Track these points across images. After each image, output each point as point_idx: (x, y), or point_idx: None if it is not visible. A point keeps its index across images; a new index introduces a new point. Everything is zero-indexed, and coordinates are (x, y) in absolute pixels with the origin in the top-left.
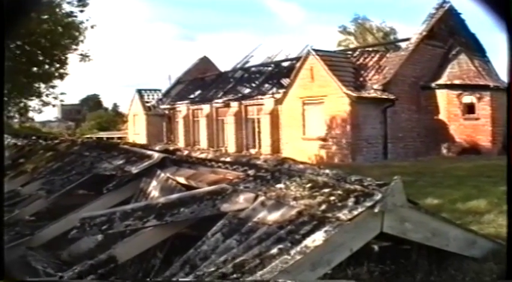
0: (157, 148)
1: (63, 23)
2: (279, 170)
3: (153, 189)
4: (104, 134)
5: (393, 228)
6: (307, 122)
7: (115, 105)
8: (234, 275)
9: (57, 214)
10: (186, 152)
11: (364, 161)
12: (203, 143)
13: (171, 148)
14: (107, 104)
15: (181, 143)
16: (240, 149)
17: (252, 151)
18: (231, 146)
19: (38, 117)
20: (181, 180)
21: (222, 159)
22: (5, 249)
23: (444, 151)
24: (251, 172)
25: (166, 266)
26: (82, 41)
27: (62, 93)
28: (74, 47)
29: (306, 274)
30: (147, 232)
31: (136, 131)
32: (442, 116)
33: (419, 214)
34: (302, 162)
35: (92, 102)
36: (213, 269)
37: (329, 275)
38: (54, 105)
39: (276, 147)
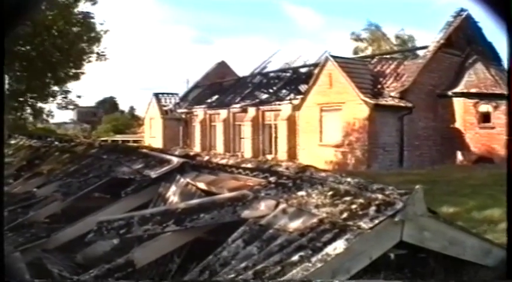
0: (176, 153)
1: (79, 24)
2: (301, 178)
3: (172, 194)
4: (119, 137)
5: (412, 237)
6: (325, 129)
7: (131, 108)
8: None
9: (72, 217)
10: (206, 158)
11: (380, 168)
12: (219, 147)
13: (192, 153)
14: (123, 106)
15: (197, 148)
16: (257, 155)
17: (269, 157)
18: (247, 151)
19: (53, 119)
20: (202, 185)
21: (243, 165)
22: (21, 252)
23: (459, 159)
24: (272, 179)
25: (183, 271)
26: (99, 43)
27: (78, 96)
28: (90, 48)
29: None
30: (166, 237)
31: (152, 135)
32: (458, 124)
33: (438, 223)
34: (324, 170)
35: (108, 104)
36: (233, 275)
37: None
38: (73, 108)
39: (292, 153)
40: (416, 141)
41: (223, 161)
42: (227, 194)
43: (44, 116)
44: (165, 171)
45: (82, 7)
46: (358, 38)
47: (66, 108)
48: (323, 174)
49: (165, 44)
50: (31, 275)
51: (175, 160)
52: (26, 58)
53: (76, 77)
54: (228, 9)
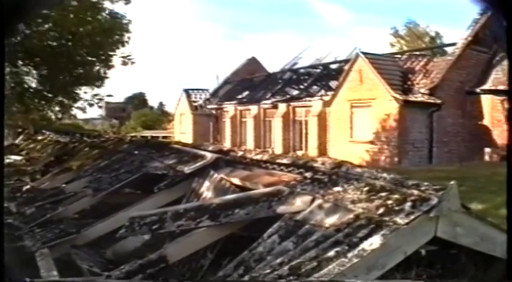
0: (210, 148)
1: (108, 23)
2: (337, 173)
3: (206, 190)
4: (149, 133)
5: (446, 233)
6: (355, 125)
7: (160, 104)
8: (290, 277)
9: (101, 212)
10: (240, 153)
11: (410, 164)
12: (250, 143)
13: (225, 149)
14: (152, 102)
15: (227, 143)
16: (287, 151)
17: (299, 153)
18: (277, 147)
19: (81, 115)
20: (236, 181)
21: (278, 161)
22: (51, 247)
23: (487, 156)
24: (308, 174)
25: (215, 266)
26: (127, 42)
27: (108, 95)
28: (119, 47)
29: (360, 277)
30: (199, 232)
31: (182, 130)
32: (486, 121)
33: (471, 219)
34: (360, 166)
35: (137, 100)
36: (268, 271)
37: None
38: (100, 106)
39: (322, 149)
40: (445, 137)
41: (258, 157)
42: (262, 190)
43: (73, 112)
44: (199, 166)
45: (114, 5)
46: (396, 34)
47: (94, 105)
48: (359, 169)
49: (195, 39)
50: (59, 271)
51: (209, 155)
52: (51, 56)
53: (106, 75)
54: (258, 5)
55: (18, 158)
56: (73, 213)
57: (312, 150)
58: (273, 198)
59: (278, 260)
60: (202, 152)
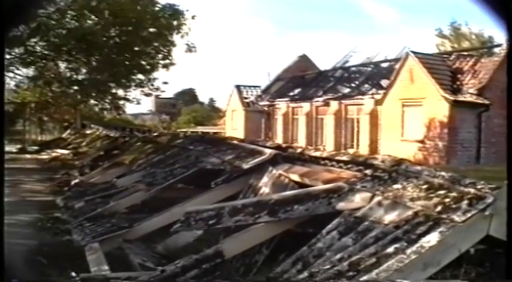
0: (268, 144)
1: (166, 15)
2: (396, 171)
3: (264, 186)
4: (200, 129)
5: (497, 231)
6: (406, 124)
7: (211, 100)
8: (350, 273)
9: (152, 207)
10: (299, 150)
11: (458, 164)
12: (301, 140)
13: (284, 145)
14: (202, 98)
15: (279, 140)
16: (338, 148)
17: (350, 151)
18: (329, 144)
19: (130, 110)
20: (295, 177)
21: (338, 158)
22: (101, 241)
23: None
24: (368, 172)
25: (270, 262)
26: (187, 33)
27: (164, 83)
28: (182, 33)
29: (416, 274)
30: (257, 228)
31: (234, 127)
32: None
33: None
34: (419, 164)
35: (188, 96)
36: (327, 267)
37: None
38: (156, 96)
39: (374, 148)
40: (493, 138)
41: (317, 154)
42: (322, 186)
43: (127, 105)
44: (258, 162)
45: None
46: (440, 34)
47: (150, 95)
48: (418, 167)
49: (245, 36)
50: (110, 265)
51: (267, 151)
52: (107, 47)
53: (165, 67)
54: (308, 4)
55: (65, 151)
56: (124, 207)
57: (364, 148)
58: (333, 194)
59: (337, 256)
60: (260, 148)
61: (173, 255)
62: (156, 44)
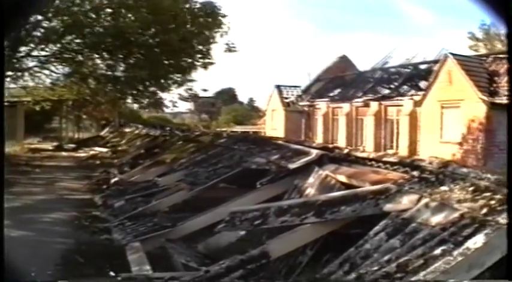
0: (314, 144)
1: (205, 14)
2: (443, 173)
3: (310, 186)
4: (239, 128)
5: None
6: (444, 125)
7: (250, 100)
8: (398, 275)
9: (194, 207)
10: (346, 151)
11: (495, 166)
12: (341, 141)
13: (330, 146)
14: (242, 98)
15: (319, 140)
16: (378, 149)
17: (389, 152)
18: (369, 145)
19: (168, 108)
20: (342, 178)
21: (385, 159)
22: (143, 241)
23: None
24: (416, 173)
25: (314, 263)
26: (226, 33)
27: (204, 90)
28: (221, 32)
29: (461, 275)
30: (304, 229)
31: (273, 127)
32: None
33: None
34: (465, 166)
35: (227, 95)
36: (375, 268)
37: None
38: (194, 99)
39: (413, 149)
40: None
41: (364, 155)
42: (369, 187)
43: (166, 106)
44: (304, 163)
45: None
46: (473, 37)
47: (188, 100)
48: (464, 169)
49: (284, 37)
50: (151, 264)
51: (313, 152)
52: (145, 46)
53: (204, 67)
54: (347, 5)
55: (103, 149)
56: (166, 206)
57: (403, 150)
58: (380, 196)
59: (385, 258)
60: (306, 148)
61: (215, 255)
62: (195, 42)
